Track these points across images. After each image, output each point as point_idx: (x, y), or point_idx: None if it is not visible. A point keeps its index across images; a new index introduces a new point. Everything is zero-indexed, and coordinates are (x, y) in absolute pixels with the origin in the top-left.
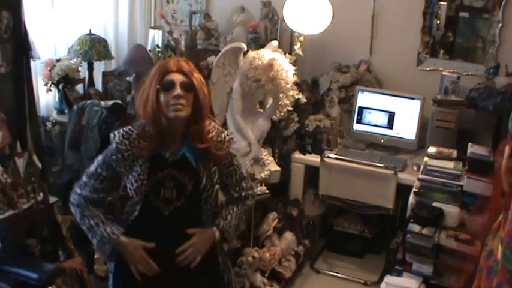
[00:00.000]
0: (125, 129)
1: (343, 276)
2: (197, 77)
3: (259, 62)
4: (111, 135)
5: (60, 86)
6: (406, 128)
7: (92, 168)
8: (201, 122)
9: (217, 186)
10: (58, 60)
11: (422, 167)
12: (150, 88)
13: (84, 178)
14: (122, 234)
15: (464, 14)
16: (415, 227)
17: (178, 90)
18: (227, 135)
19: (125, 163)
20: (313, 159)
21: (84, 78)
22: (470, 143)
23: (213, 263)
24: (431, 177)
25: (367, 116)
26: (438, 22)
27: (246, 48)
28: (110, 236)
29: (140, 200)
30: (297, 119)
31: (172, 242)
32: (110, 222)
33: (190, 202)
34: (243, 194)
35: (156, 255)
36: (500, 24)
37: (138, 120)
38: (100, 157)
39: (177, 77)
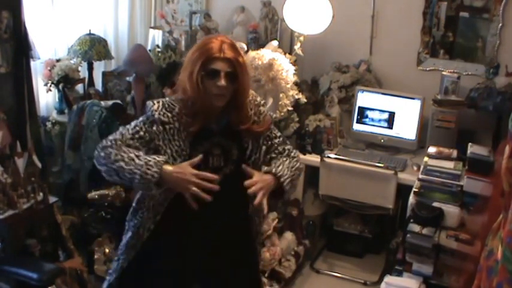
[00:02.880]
0: (164, 100)
1: (343, 276)
2: (241, 63)
3: (259, 62)
4: (149, 103)
5: (60, 86)
6: (406, 128)
7: (127, 126)
8: (242, 108)
9: (264, 147)
10: (58, 60)
11: (422, 167)
12: (194, 69)
13: (118, 132)
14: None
15: (464, 14)
16: (415, 227)
17: (222, 81)
18: (262, 105)
19: (165, 136)
20: (313, 159)
21: (84, 78)
22: (470, 143)
23: (251, 253)
24: (431, 177)
25: (367, 116)
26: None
27: (246, 48)
28: (157, 160)
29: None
30: (297, 119)
31: (224, 214)
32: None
33: (238, 169)
34: (292, 153)
35: (206, 228)
36: (500, 24)
37: (177, 95)
38: (137, 121)
39: (222, 66)
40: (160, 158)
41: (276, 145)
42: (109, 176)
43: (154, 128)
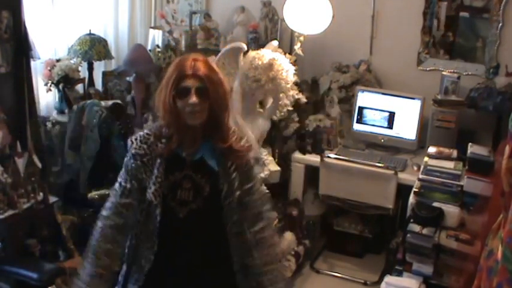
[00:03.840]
0: (141, 133)
1: (343, 276)
2: (213, 78)
3: (259, 62)
4: (129, 141)
5: (60, 86)
6: (406, 128)
7: (116, 185)
8: (222, 124)
9: (238, 193)
10: (58, 60)
11: (422, 167)
12: (166, 91)
13: (110, 199)
14: None
15: (464, 14)
16: (415, 227)
17: (193, 98)
18: (246, 141)
19: (146, 169)
20: (313, 159)
21: (84, 78)
22: (470, 143)
23: None
24: (431, 177)
25: (367, 116)
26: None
27: (246, 48)
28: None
29: (159, 203)
30: (297, 119)
31: (189, 245)
32: (98, 279)
33: (208, 206)
34: (268, 226)
35: (173, 263)
36: (500, 24)
37: (155, 121)
38: (122, 171)
39: (192, 83)
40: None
41: (253, 200)
42: None
43: (134, 165)
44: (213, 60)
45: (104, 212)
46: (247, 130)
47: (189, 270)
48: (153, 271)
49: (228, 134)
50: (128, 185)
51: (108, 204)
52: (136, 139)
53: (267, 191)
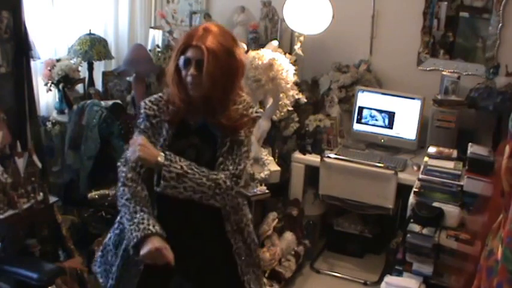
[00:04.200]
0: (154, 96)
1: (343, 276)
2: (218, 53)
3: (260, 62)
4: (142, 103)
5: (60, 86)
6: (406, 128)
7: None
8: (224, 99)
9: (221, 159)
10: (58, 60)
11: (422, 167)
12: (173, 60)
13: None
14: (158, 232)
15: (464, 14)
16: (415, 227)
17: (191, 70)
18: (256, 112)
19: (154, 130)
20: (313, 159)
21: (84, 78)
22: (470, 143)
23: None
24: (431, 177)
25: (367, 116)
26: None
27: (246, 48)
28: (148, 227)
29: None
30: (297, 119)
31: (192, 212)
32: (153, 217)
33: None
34: (226, 175)
35: (175, 232)
36: (500, 24)
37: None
38: (135, 130)
39: (194, 55)
40: (155, 228)
41: (231, 147)
42: None
43: (143, 125)
44: None
45: (122, 168)
46: None
47: (188, 233)
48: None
49: (231, 112)
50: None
51: (121, 160)
52: (149, 100)
53: (267, 191)
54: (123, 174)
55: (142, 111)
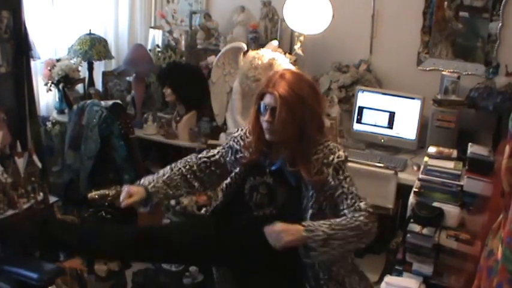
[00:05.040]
0: (243, 131)
1: None
2: (291, 100)
3: (259, 62)
4: (238, 130)
5: (60, 86)
6: (406, 128)
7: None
8: (296, 146)
9: (310, 211)
10: (58, 60)
11: (422, 167)
12: (253, 105)
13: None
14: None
15: (464, 14)
16: (415, 227)
17: (266, 117)
18: (338, 157)
19: (233, 161)
20: None
21: (84, 78)
22: (470, 143)
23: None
24: (431, 177)
25: (367, 116)
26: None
27: (246, 48)
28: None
29: (224, 197)
30: None
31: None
32: (162, 181)
33: (283, 214)
34: (359, 211)
35: (240, 258)
36: (500, 24)
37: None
38: (221, 147)
39: (269, 102)
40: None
41: (343, 196)
42: None
43: (228, 157)
44: (213, 60)
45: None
46: None
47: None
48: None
49: (311, 164)
50: (217, 157)
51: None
52: (241, 130)
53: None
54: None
55: (230, 143)
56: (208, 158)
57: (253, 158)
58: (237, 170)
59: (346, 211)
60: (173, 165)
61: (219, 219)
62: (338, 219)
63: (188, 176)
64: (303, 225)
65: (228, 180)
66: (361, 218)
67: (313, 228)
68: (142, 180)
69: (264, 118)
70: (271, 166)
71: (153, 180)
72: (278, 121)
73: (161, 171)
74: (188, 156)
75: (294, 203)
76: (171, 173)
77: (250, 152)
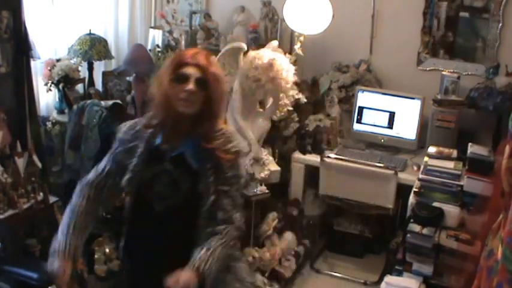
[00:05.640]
0: (131, 121)
1: (343, 276)
2: (214, 73)
3: (259, 62)
4: (119, 127)
5: (60, 86)
6: (406, 128)
7: (99, 165)
8: (212, 121)
9: (212, 197)
10: (58, 60)
11: (422, 167)
12: (163, 77)
13: (93, 170)
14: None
15: (464, 14)
16: (415, 227)
17: (190, 86)
18: (234, 146)
19: (127, 155)
20: (313, 159)
21: (84, 78)
22: (470, 143)
23: None
24: (431, 177)
25: (367, 116)
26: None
27: (246, 48)
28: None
29: (132, 193)
30: (297, 119)
31: (163, 242)
32: (75, 234)
33: (185, 203)
34: (226, 228)
35: (145, 259)
36: (500, 24)
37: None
38: (109, 153)
39: (193, 72)
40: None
41: (226, 195)
42: None
43: (117, 150)
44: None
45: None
46: (248, 130)
47: (153, 262)
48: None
49: (214, 134)
50: (108, 167)
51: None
52: (125, 125)
53: (267, 191)
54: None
55: (120, 135)
56: (101, 174)
57: (155, 136)
58: (134, 162)
59: (220, 219)
60: (73, 207)
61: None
62: (214, 242)
63: (91, 209)
64: (193, 270)
65: (129, 174)
66: (233, 232)
67: (203, 266)
68: (57, 246)
69: (186, 87)
70: (171, 152)
71: (67, 244)
72: (200, 91)
73: (65, 220)
74: (78, 188)
75: (195, 190)
76: (77, 219)
77: (149, 134)
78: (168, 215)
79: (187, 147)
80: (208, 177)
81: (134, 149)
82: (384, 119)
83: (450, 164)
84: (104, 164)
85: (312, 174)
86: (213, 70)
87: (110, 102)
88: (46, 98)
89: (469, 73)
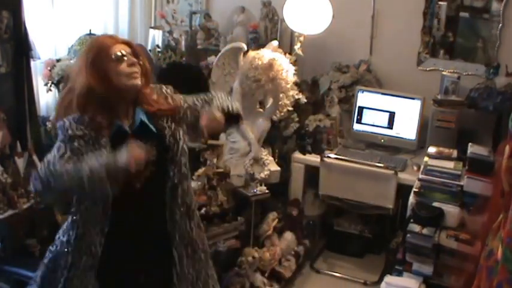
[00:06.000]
0: (70, 117)
1: (343, 276)
2: (136, 44)
3: (259, 62)
4: (59, 124)
5: (60, 86)
6: (406, 128)
7: (50, 153)
8: (150, 86)
9: (181, 143)
10: (58, 60)
11: (422, 167)
12: (95, 65)
13: (45, 161)
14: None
15: (464, 14)
16: (415, 227)
17: (132, 59)
18: (166, 87)
19: (90, 148)
20: (313, 159)
21: None
22: (470, 143)
23: None
24: (431, 177)
25: (367, 116)
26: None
27: (246, 48)
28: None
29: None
30: (297, 119)
31: (149, 218)
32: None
33: (159, 169)
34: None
35: (133, 235)
36: (500, 24)
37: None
38: (57, 144)
39: (123, 48)
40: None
41: (194, 106)
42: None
43: (75, 144)
44: (213, 60)
45: (43, 165)
46: (248, 130)
47: (143, 240)
48: (106, 252)
49: (153, 97)
50: (68, 153)
51: (45, 163)
52: (69, 120)
53: (267, 191)
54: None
55: (70, 133)
56: (61, 157)
57: (113, 120)
58: (102, 148)
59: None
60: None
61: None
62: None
63: None
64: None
65: None
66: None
67: (222, 104)
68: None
69: (129, 61)
70: (131, 126)
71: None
72: (141, 61)
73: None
74: (56, 167)
75: (163, 149)
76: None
77: (103, 120)
78: (147, 188)
79: (140, 117)
80: (170, 127)
81: (92, 141)
82: (384, 119)
83: (450, 164)
84: (60, 151)
85: (312, 174)
86: (133, 42)
87: None
88: (46, 98)
89: (469, 73)
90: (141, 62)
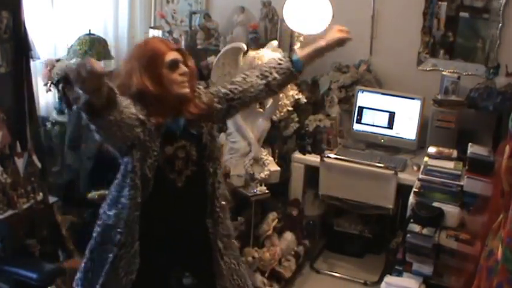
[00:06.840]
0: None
1: (343, 276)
2: (186, 52)
3: (259, 62)
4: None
5: (60, 86)
6: (406, 128)
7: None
8: (194, 93)
9: (217, 139)
10: (58, 60)
11: (422, 167)
12: (152, 69)
13: None
14: None
15: (464, 14)
16: (415, 227)
17: (184, 68)
18: (198, 84)
19: (144, 137)
20: (313, 159)
21: None
22: (470, 143)
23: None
24: (431, 177)
25: (367, 116)
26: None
27: (245, 48)
28: None
29: (153, 177)
30: (297, 119)
31: (188, 217)
32: None
33: (198, 169)
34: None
35: (171, 234)
36: (500, 24)
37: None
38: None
39: (177, 57)
40: None
41: (230, 92)
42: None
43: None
44: (213, 60)
45: None
46: (248, 130)
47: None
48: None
49: (195, 102)
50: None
51: None
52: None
53: (267, 191)
54: None
55: (141, 117)
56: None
57: (165, 121)
58: (150, 144)
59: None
60: None
61: None
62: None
63: None
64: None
65: (149, 161)
66: None
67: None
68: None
69: (181, 71)
70: (179, 128)
71: None
72: (192, 70)
73: None
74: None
75: (202, 150)
76: None
77: (160, 118)
78: (187, 187)
79: (182, 121)
80: (205, 127)
81: (147, 131)
82: (384, 119)
83: (450, 164)
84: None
85: (312, 174)
86: (184, 50)
87: None
88: (46, 98)
89: (469, 73)
90: (190, 70)
